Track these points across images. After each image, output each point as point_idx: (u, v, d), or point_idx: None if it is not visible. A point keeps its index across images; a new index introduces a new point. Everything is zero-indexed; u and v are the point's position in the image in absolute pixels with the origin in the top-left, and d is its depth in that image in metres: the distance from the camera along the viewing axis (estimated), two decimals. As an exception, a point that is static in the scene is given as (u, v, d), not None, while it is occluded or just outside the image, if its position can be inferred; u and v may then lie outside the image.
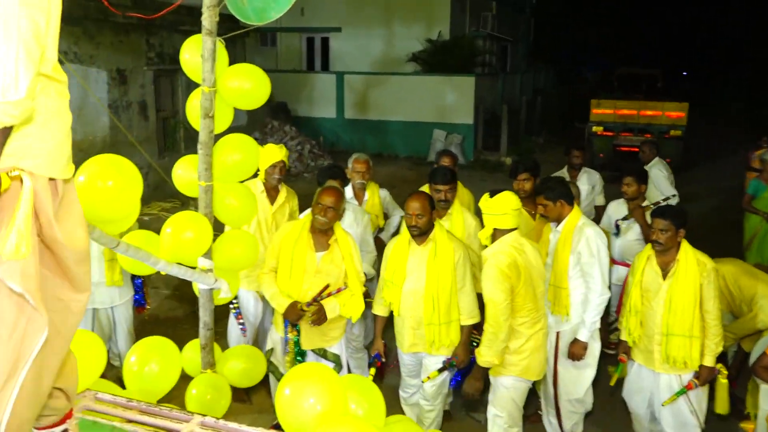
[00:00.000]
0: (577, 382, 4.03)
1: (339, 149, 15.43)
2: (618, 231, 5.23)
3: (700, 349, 3.67)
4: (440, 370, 3.83)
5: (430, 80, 15.82)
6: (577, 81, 28.10)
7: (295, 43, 18.45)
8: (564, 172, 6.15)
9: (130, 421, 2.43)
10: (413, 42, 16.70)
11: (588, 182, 6.09)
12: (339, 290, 3.74)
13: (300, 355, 3.81)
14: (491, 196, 3.53)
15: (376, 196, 5.28)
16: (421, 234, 3.71)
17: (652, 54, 34.72)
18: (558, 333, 4.01)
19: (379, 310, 3.99)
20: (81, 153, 8.90)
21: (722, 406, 3.87)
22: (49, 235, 1.46)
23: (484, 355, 3.50)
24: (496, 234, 3.55)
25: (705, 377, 3.70)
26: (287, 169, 4.71)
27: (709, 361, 3.67)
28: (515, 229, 3.56)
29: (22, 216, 1.33)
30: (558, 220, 3.98)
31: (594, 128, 14.13)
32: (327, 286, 3.70)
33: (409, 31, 16.88)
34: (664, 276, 3.73)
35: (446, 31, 16.91)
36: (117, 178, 2.59)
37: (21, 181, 1.36)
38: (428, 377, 3.86)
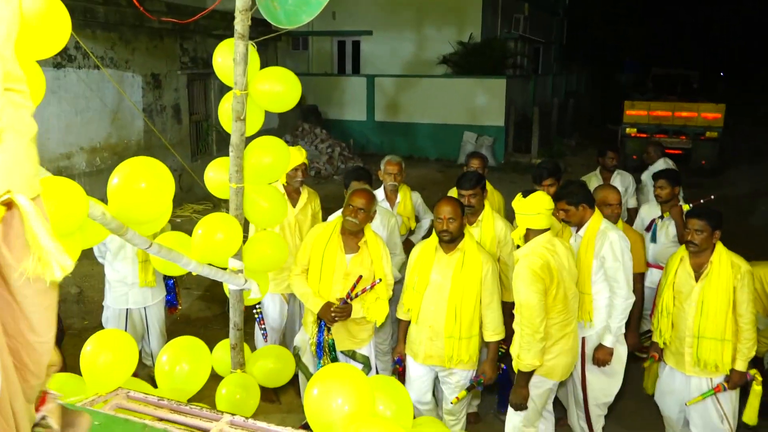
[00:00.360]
0: (606, 387, 3.99)
1: (369, 152, 15.47)
2: (654, 233, 5.15)
3: (732, 353, 3.61)
4: (468, 389, 3.76)
5: (461, 82, 15.76)
6: (611, 83, 27.73)
7: (327, 46, 18.55)
8: (597, 174, 6.09)
9: (161, 419, 2.47)
10: (444, 44, 16.66)
11: (621, 184, 6.01)
12: (373, 285, 3.72)
13: (336, 358, 3.79)
14: (524, 196, 3.50)
15: (408, 198, 5.27)
16: (451, 240, 3.63)
17: (687, 54, 34.07)
18: (584, 338, 3.95)
19: (402, 314, 3.93)
20: (116, 156, 9.14)
21: (751, 416, 3.72)
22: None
23: (524, 359, 3.40)
24: (529, 234, 3.50)
25: (735, 381, 3.64)
26: (309, 171, 4.75)
27: (740, 366, 3.60)
28: (548, 229, 3.51)
29: (42, 236, 1.29)
30: (580, 225, 3.92)
31: (627, 130, 13.95)
32: (360, 278, 3.69)
33: (440, 34, 16.84)
34: (697, 278, 3.67)
35: (477, 33, 16.83)
36: (150, 180, 2.63)
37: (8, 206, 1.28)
38: (457, 398, 3.76)
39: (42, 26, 2.23)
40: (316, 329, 3.82)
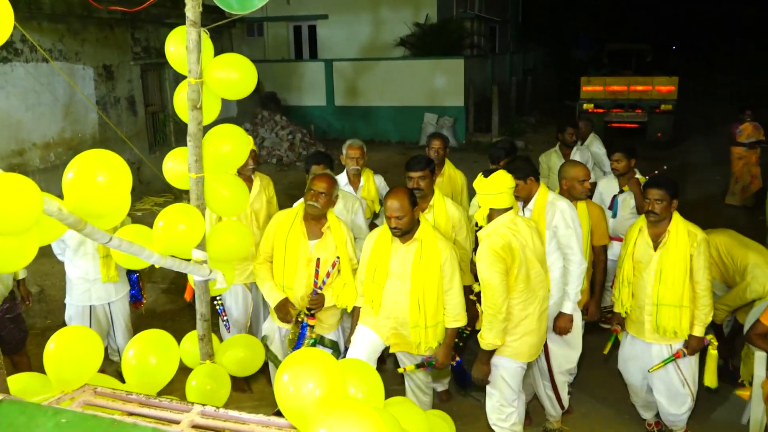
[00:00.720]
0: (569, 354, 4.12)
1: (330, 137, 15.40)
2: (616, 208, 5.26)
3: (690, 319, 3.73)
4: (417, 366, 3.81)
5: (419, 64, 15.76)
6: (568, 59, 28.02)
7: (282, 32, 18.34)
8: (557, 150, 6.18)
9: (130, 413, 2.44)
10: (401, 26, 16.62)
11: (581, 159, 6.09)
12: (334, 264, 3.73)
13: (319, 342, 3.84)
14: (485, 176, 3.52)
15: (371, 182, 5.27)
16: (404, 234, 3.60)
17: (641, 29, 34.63)
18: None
19: (359, 301, 3.91)
20: (71, 151, 8.91)
21: (711, 379, 3.89)
22: None
23: (485, 338, 3.46)
24: (493, 214, 3.52)
25: (694, 347, 3.76)
26: (269, 159, 4.76)
27: (698, 331, 3.73)
28: (510, 208, 3.52)
29: None
30: (528, 199, 3.97)
31: (585, 105, 14.17)
32: (318, 260, 3.70)
33: (397, 16, 16.79)
34: (656, 247, 3.78)
35: (434, 14, 16.82)
36: (105, 172, 2.58)
37: None
38: (404, 369, 3.84)
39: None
40: (298, 329, 3.81)
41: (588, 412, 4.56)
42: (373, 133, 15.68)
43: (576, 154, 6.11)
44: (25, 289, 4.42)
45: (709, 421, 4.45)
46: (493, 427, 3.75)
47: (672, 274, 3.71)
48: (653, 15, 38.25)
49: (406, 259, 3.67)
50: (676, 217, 3.77)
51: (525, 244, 3.47)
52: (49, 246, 2.65)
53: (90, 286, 4.38)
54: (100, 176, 2.57)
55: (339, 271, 3.85)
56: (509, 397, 3.66)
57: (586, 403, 4.64)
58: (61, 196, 2.59)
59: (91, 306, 4.42)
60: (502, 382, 3.65)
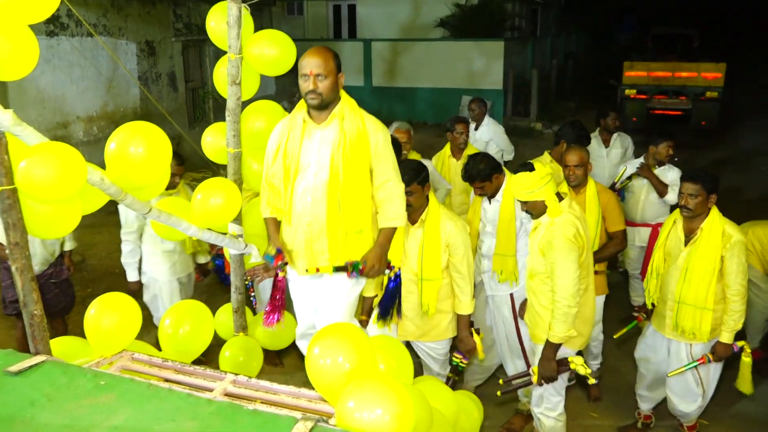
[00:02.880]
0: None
1: (367, 117, 15.36)
2: (623, 195, 5.17)
3: (711, 322, 3.55)
4: (339, 269, 3.07)
5: (459, 46, 15.56)
6: (610, 43, 27.38)
7: (322, 11, 18.29)
8: (596, 135, 6.05)
9: (166, 380, 2.51)
10: (441, 7, 16.40)
11: (621, 146, 6.01)
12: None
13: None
14: (514, 173, 3.41)
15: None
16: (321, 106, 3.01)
17: (687, 13, 33.60)
18: (511, 294, 3.99)
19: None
20: (113, 125, 9.07)
21: (745, 386, 3.71)
22: None
23: (557, 332, 3.27)
24: (536, 206, 3.35)
25: (720, 354, 3.57)
26: None
27: (726, 338, 3.54)
28: (560, 196, 3.36)
29: None
30: (495, 192, 3.89)
31: (627, 91, 13.80)
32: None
33: (437, -4, 16.59)
34: (686, 243, 3.61)
35: (475, -5, 16.58)
36: (147, 145, 2.64)
37: None
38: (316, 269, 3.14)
39: (33, -10, 2.22)
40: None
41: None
42: (410, 114, 15.58)
43: (616, 140, 6.00)
44: (69, 259, 4.56)
45: (741, 414, 4.38)
46: (538, 415, 3.68)
47: (698, 274, 3.53)
48: (702, -1, 37.09)
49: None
50: (714, 213, 3.56)
51: (585, 231, 3.35)
52: (91, 215, 2.70)
53: (176, 258, 4.49)
54: (142, 148, 2.63)
55: None
56: (558, 387, 3.57)
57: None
58: (103, 169, 2.66)
59: (179, 279, 4.55)
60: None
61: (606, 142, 5.99)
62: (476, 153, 4.47)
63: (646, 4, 33.08)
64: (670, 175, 5.03)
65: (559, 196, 3.36)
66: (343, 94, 3.11)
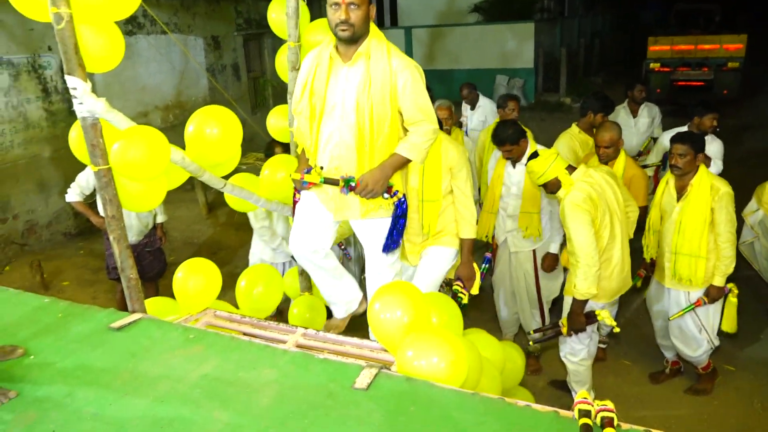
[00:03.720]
0: (553, 286, 4.21)
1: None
2: (664, 165, 4.96)
3: (705, 269, 3.55)
4: (327, 182, 2.59)
5: (492, 29, 15.19)
6: (636, 21, 26.27)
7: (366, 1, 18.10)
8: (624, 107, 5.86)
9: (244, 333, 2.56)
10: (475, -7, 16.06)
11: (648, 115, 5.80)
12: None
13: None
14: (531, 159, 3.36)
15: (460, 140, 5.18)
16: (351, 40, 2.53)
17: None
18: (534, 251, 4.08)
19: None
20: (186, 112, 9.20)
21: (730, 325, 3.69)
22: None
23: (580, 289, 3.22)
24: (548, 186, 3.30)
25: (714, 296, 3.60)
26: None
27: (718, 281, 3.55)
28: (573, 167, 3.31)
29: None
30: (520, 157, 3.88)
31: (651, 65, 13.30)
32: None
33: (471, -17, 16.21)
34: (679, 199, 3.60)
35: (506, -20, 16.10)
36: (221, 126, 2.66)
37: None
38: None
39: (118, -10, 2.23)
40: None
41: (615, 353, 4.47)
42: (448, 94, 15.20)
43: (644, 110, 5.80)
44: (161, 231, 4.69)
45: (767, 361, 4.25)
46: (563, 359, 3.68)
47: (690, 226, 3.52)
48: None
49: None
50: (702, 170, 3.54)
51: (602, 192, 3.27)
52: (170, 193, 2.70)
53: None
54: (217, 129, 2.65)
55: None
56: (582, 335, 3.54)
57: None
58: (183, 149, 2.69)
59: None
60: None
61: (634, 113, 5.80)
62: (504, 120, 4.50)
63: (668, -17, 31.55)
64: (713, 146, 4.75)
65: (572, 168, 3.30)
66: (372, 27, 2.62)
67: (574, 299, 3.30)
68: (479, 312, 4.75)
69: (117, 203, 2.44)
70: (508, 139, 3.82)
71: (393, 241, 2.72)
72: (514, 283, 4.25)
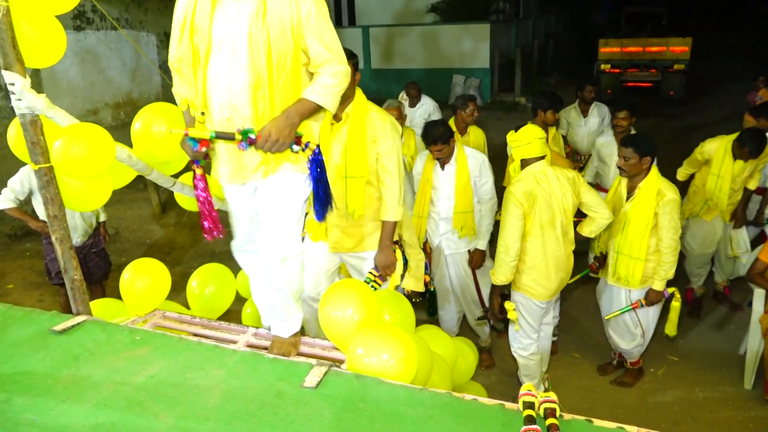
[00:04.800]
0: (489, 281, 4.10)
1: (368, 98, 15.20)
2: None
3: (644, 271, 3.62)
4: (221, 136, 2.18)
5: (448, 29, 15.33)
6: (587, 23, 26.93)
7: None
8: (575, 107, 6.00)
9: (194, 334, 2.52)
10: (432, -7, 16.18)
11: (599, 115, 5.94)
12: None
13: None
14: (515, 130, 3.42)
15: (411, 140, 5.18)
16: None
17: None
18: (469, 251, 4.08)
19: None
20: (138, 109, 8.97)
21: (671, 328, 3.76)
22: None
23: (495, 274, 3.44)
24: (524, 165, 3.42)
25: (652, 299, 3.66)
26: None
27: (658, 285, 3.61)
28: (542, 158, 3.38)
29: None
30: (449, 157, 3.91)
31: (602, 66, 13.70)
32: None
33: (428, -17, 16.32)
34: (627, 199, 3.68)
35: (462, -19, 16.28)
36: (168, 123, 2.60)
37: None
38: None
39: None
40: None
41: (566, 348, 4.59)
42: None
43: (594, 110, 5.93)
44: (104, 230, 4.56)
45: (709, 351, 4.42)
46: (513, 353, 3.76)
47: (633, 227, 3.59)
48: (670, -20, 36.33)
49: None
50: (652, 174, 3.58)
51: (551, 193, 3.34)
52: (122, 192, 2.67)
53: None
54: (163, 126, 2.59)
55: None
56: (528, 330, 3.64)
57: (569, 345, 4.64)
58: (130, 147, 2.63)
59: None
60: (520, 316, 3.65)
61: (584, 112, 5.94)
62: (433, 120, 4.48)
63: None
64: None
65: (538, 159, 3.39)
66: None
67: (492, 286, 3.51)
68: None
69: (59, 202, 2.37)
70: (440, 137, 3.78)
71: (321, 201, 2.30)
72: (454, 285, 4.20)
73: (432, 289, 4.01)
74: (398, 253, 3.04)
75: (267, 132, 2.08)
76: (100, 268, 4.51)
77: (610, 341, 4.12)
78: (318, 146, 2.23)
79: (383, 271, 2.97)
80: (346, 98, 2.82)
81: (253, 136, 2.08)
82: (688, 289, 4.92)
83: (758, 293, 3.90)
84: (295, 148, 2.17)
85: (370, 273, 2.97)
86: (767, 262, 3.72)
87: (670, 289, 3.66)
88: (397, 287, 3.26)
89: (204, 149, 2.17)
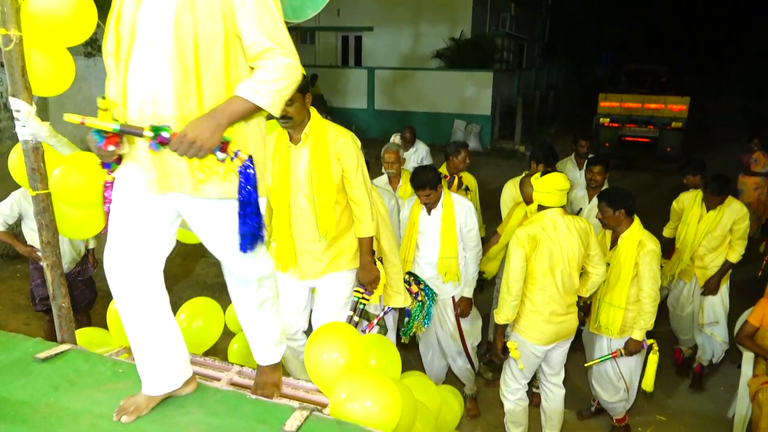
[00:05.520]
0: (475, 330, 4.24)
1: (369, 137, 15.37)
2: None
3: (623, 319, 3.65)
4: (126, 130, 1.83)
5: (452, 75, 15.64)
6: (588, 77, 27.51)
7: (332, 40, 18.37)
8: (572, 159, 6.07)
9: (179, 369, 2.49)
10: (438, 40, 16.52)
11: (594, 168, 6.00)
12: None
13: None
14: (542, 175, 3.45)
15: (408, 183, 5.23)
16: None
17: (658, 51, 33.81)
18: (453, 297, 4.05)
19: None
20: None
21: (648, 383, 3.69)
22: None
23: (498, 313, 3.50)
24: (540, 209, 3.47)
25: (630, 349, 3.65)
26: None
27: (637, 335, 3.62)
28: (559, 207, 3.42)
29: None
30: (437, 203, 3.94)
31: (601, 119, 13.93)
32: None
33: (434, 30, 16.69)
34: (611, 248, 3.75)
35: (468, 30, 16.66)
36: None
37: None
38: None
39: (70, 17, 2.22)
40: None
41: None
42: (408, 135, 15.66)
43: (589, 163, 6.01)
44: (93, 257, 4.53)
45: (697, 412, 4.37)
46: (501, 397, 3.74)
47: (614, 276, 3.65)
48: (672, 38, 37.36)
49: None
50: (634, 225, 3.65)
51: (556, 242, 3.37)
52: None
53: None
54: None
55: None
56: (517, 375, 3.63)
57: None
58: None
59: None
60: (511, 365, 3.63)
61: (580, 165, 5.98)
62: (422, 165, 4.50)
63: (621, 43, 33.32)
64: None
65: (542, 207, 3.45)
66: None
67: (496, 323, 3.55)
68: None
69: (54, 229, 2.38)
70: (428, 182, 3.81)
71: (249, 228, 1.86)
72: (438, 331, 4.16)
73: (420, 301, 3.98)
74: (380, 265, 3.10)
75: (183, 132, 1.72)
76: (86, 297, 4.45)
77: (593, 392, 4.08)
78: (250, 157, 1.81)
79: (369, 286, 3.03)
80: (303, 119, 2.82)
81: (166, 135, 1.72)
82: (677, 350, 4.90)
83: (747, 356, 3.89)
84: (220, 155, 1.77)
85: (356, 291, 3.03)
86: (756, 324, 3.73)
87: (649, 341, 3.65)
88: (385, 311, 3.30)
89: (112, 149, 1.82)
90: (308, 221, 2.91)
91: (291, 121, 2.78)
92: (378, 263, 3.11)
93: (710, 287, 4.51)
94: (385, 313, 3.33)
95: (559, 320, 3.49)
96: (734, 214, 4.39)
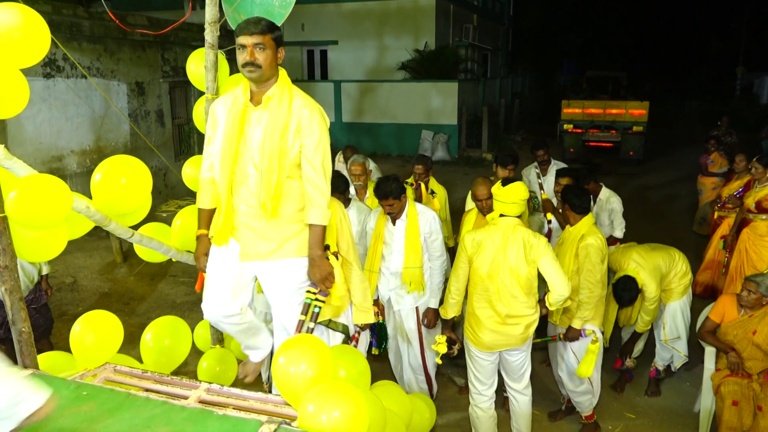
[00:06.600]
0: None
1: (338, 150, 15.42)
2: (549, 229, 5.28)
3: (563, 309, 3.79)
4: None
5: (418, 86, 15.80)
6: (551, 84, 28.06)
7: (297, 55, 18.39)
8: (535, 165, 6.17)
9: (146, 389, 2.47)
10: (402, 52, 16.68)
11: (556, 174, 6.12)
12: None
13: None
14: (503, 185, 3.46)
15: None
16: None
17: (618, 58, 34.72)
18: (417, 308, 4.06)
19: None
20: (105, 158, 8.89)
21: (583, 370, 3.75)
22: None
23: (442, 308, 3.68)
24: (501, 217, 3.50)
25: (569, 336, 3.80)
26: None
27: (576, 324, 3.74)
28: (519, 217, 3.45)
29: None
30: (401, 212, 3.96)
31: (565, 126, 14.22)
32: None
33: (399, 43, 16.86)
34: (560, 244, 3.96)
35: (432, 42, 16.87)
36: (128, 176, 2.62)
37: None
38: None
39: (22, 38, 2.20)
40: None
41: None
42: (376, 147, 15.72)
43: (553, 168, 6.10)
44: (46, 284, 4.33)
45: (665, 408, 4.47)
46: (470, 410, 3.77)
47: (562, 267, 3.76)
48: (631, 45, 38.37)
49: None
50: (585, 221, 3.76)
51: (499, 250, 3.40)
52: (83, 240, 2.64)
53: None
54: (124, 179, 2.61)
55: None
56: (474, 380, 3.69)
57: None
58: (89, 198, 2.63)
59: None
60: (469, 367, 3.69)
61: (543, 171, 6.10)
62: (386, 175, 4.31)
63: (583, 51, 34.09)
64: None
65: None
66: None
67: (442, 317, 3.73)
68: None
69: (11, 253, 2.34)
70: (391, 193, 3.82)
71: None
72: (400, 344, 4.16)
73: (381, 321, 4.01)
74: (333, 259, 2.72)
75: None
76: (40, 326, 4.16)
77: (560, 385, 4.16)
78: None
79: (321, 285, 2.68)
80: (271, 75, 2.58)
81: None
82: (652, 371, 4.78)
83: (709, 351, 3.99)
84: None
85: (309, 292, 2.70)
86: (717, 320, 3.84)
87: (588, 331, 3.77)
88: (355, 330, 3.20)
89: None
90: (253, 193, 2.59)
91: (259, 70, 2.50)
92: (332, 258, 2.74)
93: (625, 350, 4.59)
94: (362, 330, 3.29)
95: (498, 328, 3.46)
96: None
